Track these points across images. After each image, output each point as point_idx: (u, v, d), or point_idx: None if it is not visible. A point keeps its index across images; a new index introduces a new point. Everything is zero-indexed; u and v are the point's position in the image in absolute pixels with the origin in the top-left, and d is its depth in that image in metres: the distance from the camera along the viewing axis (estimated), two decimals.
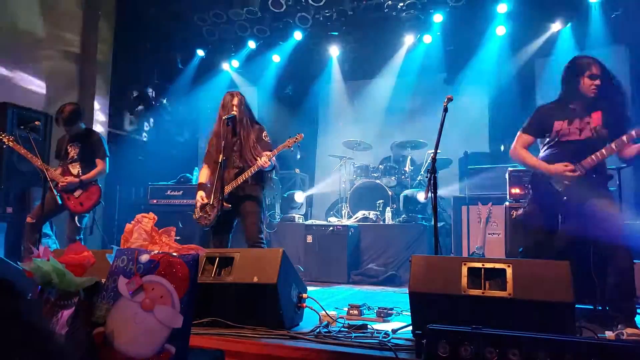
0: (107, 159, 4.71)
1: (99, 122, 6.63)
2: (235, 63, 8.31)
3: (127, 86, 7.54)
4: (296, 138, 3.98)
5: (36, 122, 5.15)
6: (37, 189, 4.93)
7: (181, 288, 1.81)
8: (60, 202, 4.38)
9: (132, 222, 2.06)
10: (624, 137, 2.90)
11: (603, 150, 2.98)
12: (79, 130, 4.69)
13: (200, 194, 3.94)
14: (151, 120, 8.08)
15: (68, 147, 4.67)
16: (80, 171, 4.60)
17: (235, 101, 3.93)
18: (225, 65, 8.36)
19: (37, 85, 6.06)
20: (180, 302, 1.79)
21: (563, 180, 3.07)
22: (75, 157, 4.63)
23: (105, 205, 6.47)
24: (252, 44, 7.84)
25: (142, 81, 7.89)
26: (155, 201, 6.60)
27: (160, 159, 7.63)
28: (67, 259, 1.92)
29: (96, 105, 6.57)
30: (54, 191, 4.35)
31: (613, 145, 2.96)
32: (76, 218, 4.53)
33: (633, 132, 2.88)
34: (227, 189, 3.79)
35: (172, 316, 1.76)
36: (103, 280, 1.88)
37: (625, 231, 2.97)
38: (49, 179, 4.34)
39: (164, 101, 8.25)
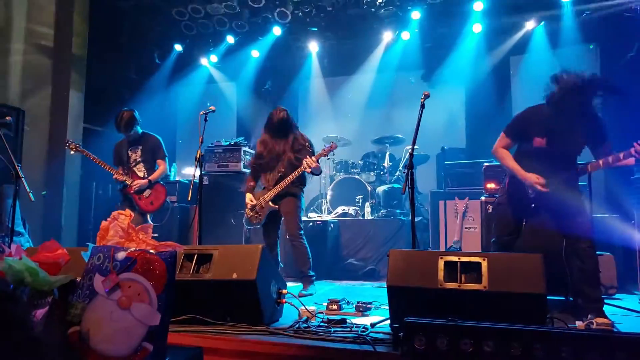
0: (167, 158, 5.03)
1: (74, 117, 6.48)
2: (214, 58, 8.23)
3: (103, 81, 7.40)
4: (331, 147, 4.41)
5: (7, 118, 5.02)
6: (9, 186, 4.82)
7: (159, 285, 1.80)
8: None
9: (109, 219, 2.03)
10: (620, 155, 2.99)
11: (588, 166, 3.13)
12: (137, 135, 4.96)
13: (249, 196, 4.47)
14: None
15: (129, 152, 4.97)
16: (145, 173, 4.93)
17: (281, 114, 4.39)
18: (203, 60, 8.27)
19: (9, 80, 5.91)
20: (157, 300, 1.78)
21: (535, 189, 3.17)
22: (139, 159, 4.95)
23: (80, 202, 6.38)
24: (230, 39, 7.78)
25: (119, 76, 7.75)
26: None
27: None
28: (41, 257, 1.88)
29: (71, 100, 6.42)
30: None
31: (601, 162, 3.07)
32: (148, 216, 4.90)
33: (632, 151, 2.94)
34: (274, 192, 4.31)
35: (150, 314, 1.75)
36: (78, 279, 1.85)
37: (590, 224, 3.08)
38: (121, 181, 4.82)
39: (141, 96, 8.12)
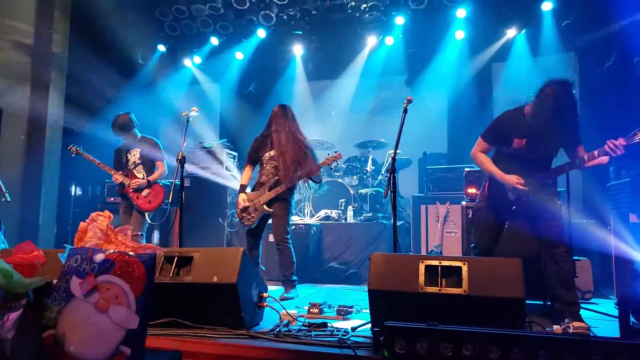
0: (165, 160, 5.08)
1: (54, 117, 6.35)
2: (198, 59, 8.17)
3: (84, 80, 7.29)
4: (335, 157, 4.37)
5: None
6: None
7: (137, 288, 1.78)
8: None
9: (87, 220, 2.00)
10: (595, 153, 3.04)
11: (565, 167, 3.19)
12: (135, 138, 5.05)
13: (242, 196, 4.40)
14: (109, 116, 7.84)
15: (127, 155, 5.04)
16: (145, 174, 5.00)
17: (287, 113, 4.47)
18: (187, 62, 8.21)
19: None
20: (136, 302, 1.75)
21: (515, 191, 3.21)
22: (138, 161, 5.01)
23: (59, 203, 6.26)
24: (214, 41, 7.74)
25: (100, 76, 7.63)
26: (112, 199, 6.41)
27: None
28: (16, 259, 1.84)
29: (51, 100, 6.30)
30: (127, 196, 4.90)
31: (577, 161, 3.13)
32: (146, 215, 4.95)
33: (606, 148, 2.99)
34: (271, 195, 4.26)
35: (128, 317, 1.73)
36: (54, 281, 1.81)
37: (565, 229, 3.14)
38: (119, 183, 4.91)
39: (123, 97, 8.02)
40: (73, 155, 5.11)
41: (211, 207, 6.29)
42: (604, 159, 3.09)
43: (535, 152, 3.19)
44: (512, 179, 3.19)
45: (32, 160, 6.02)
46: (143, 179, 4.94)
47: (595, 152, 3.05)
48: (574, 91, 3.09)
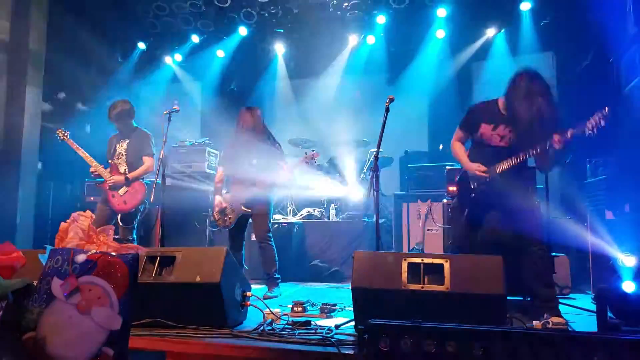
0: (155, 156, 4.67)
1: (31, 115, 6.22)
2: (179, 57, 8.10)
3: (63, 78, 7.15)
4: (312, 155, 4.39)
5: None
6: None
7: (120, 288, 1.76)
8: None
9: (68, 220, 1.97)
10: (546, 145, 2.97)
11: (520, 155, 3.12)
12: (129, 128, 4.76)
13: (218, 198, 4.36)
14: (88, 114, 7.71)
15: (117, 145, 4.75)
16: (126, 169, 4.65)
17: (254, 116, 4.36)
18: (167, 59, 8.13)
19: None
20: (119, 303, 1.74)
21: (476, 179, 3.27)
22: (123, 152, 4.68)
23: (37, 203, 6.13)
24: (195, 38, 7.67)
25: (79, 73, 7.50)
26: (92, 198, 6.31)
27: (97, 154, 7.30)
28: None
29: (28, 97, 6.16)
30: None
31: (531, 151, 3.09)
32: (119, 217, 4.53)
33: (552, 141, 2.94)
34: (248, 194, 4.21)
35: (110, 318, 1.71)
36: (35, 283, 1.79)
37: (542, 226, 3.19)
38: (95, 176, 4.63)
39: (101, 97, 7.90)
40: (60, 140, 4.78)
41: (193, 207, 6.23)
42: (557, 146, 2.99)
43: (508, 142, 3.21)
44: (473, 166, 3.28)
45: (10, 160, 5.89)
46: (124, 174, 4.59)
47: (546, 144, 2.97)
48: (545, 82, 3.08)
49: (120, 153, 4.70)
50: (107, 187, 4.57)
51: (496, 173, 3.22)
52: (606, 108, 2.85)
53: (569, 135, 2.94)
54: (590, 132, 2.89)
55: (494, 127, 3.25)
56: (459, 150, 3.47)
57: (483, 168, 3.25)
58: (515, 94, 3.10)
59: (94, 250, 1.84)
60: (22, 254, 1.87)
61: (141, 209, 4.64)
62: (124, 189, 4.57)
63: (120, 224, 4.56)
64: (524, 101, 3.03)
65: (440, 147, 7.05)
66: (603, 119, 2.84)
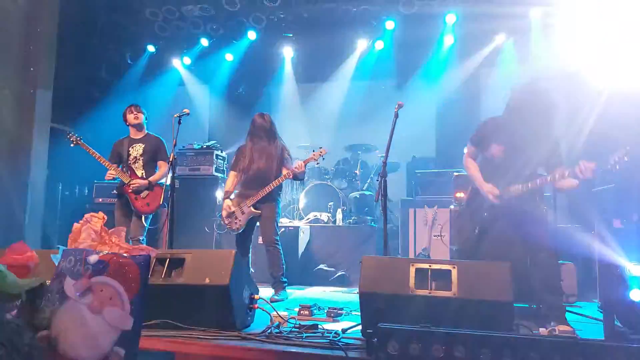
0: (169, 161, 4.70)
1: (41, 116, 6.27)
2: (187, 60, 8.14)
3: (72, 80, 7.22)
4: (320, 152, 4.43)
5: None
6: None
7: (131, 289, 1.78)
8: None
9: (81, 221, 2.00)
10: (565, 172, 3.00)
11: (537, 181, 3.14)
12: (141, 133, 4.90)
13: (227, 202, 4.42)
14: (96, 116, 7.77)
15: (129, 149, 4.81)
16: (144, 173, 4.76)
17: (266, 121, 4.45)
18: (176, 62, 8.17)
19: None
20: (130, 304, 1.76)
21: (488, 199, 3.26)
22: (139, 157, 4.78)
23: (46, 204, 6.18)
24: (204, 42, 7.72)
25: (89, 75, 7.58)
26: (101, 200, 6.37)
27: (105, 156, 7.36)
28: (9, 259, 1.84)
29: (38, 98, 6.22)
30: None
31: (549, 177, 3.12)
32: (142, 218, 4.69)
33: (577, 170, 2.94)
34: (257, 197, 4.29)
35: (122, 318, 1.73)
36: (48, 282, 1.81)
37: (550, 234, 3.17)
38: (114, 178, 4.69)
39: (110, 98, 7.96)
40: (72, 145, 4.84)
41: (200, 209, 6.27)
42: (574, 183, 3.05)
43: (512, 161, 3.19)
44: (487, 187, 3.24)
45: (19, 161, 5.93)
46: (142, 178, 4.70)
47: (566, 172, 3.00)
48: (546, 97, 3.07)
49: (135, 157, 4.79)
50: (130, 190, 4.65)
51: (510, 196, 3.19)
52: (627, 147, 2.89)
53: (592, 167, 2.92)
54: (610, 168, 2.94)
55: (506, 148, 3.22)
56: (474, 169, 3.42)
57: (497, 192, 3.21)
58: (512, 114, 3.10)
59: (106, 251, 1.86)
60: (36, 254, 1.90)
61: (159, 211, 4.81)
62: (145, 192, 4.69)
63: (135, 218, 4.67)
64: (527, 120, 3.03)
65: (448, 153, 7.03)
66: (626, 156, 2.88)
